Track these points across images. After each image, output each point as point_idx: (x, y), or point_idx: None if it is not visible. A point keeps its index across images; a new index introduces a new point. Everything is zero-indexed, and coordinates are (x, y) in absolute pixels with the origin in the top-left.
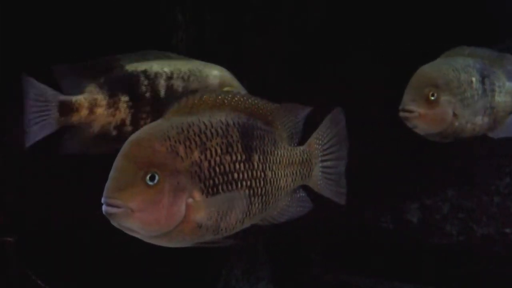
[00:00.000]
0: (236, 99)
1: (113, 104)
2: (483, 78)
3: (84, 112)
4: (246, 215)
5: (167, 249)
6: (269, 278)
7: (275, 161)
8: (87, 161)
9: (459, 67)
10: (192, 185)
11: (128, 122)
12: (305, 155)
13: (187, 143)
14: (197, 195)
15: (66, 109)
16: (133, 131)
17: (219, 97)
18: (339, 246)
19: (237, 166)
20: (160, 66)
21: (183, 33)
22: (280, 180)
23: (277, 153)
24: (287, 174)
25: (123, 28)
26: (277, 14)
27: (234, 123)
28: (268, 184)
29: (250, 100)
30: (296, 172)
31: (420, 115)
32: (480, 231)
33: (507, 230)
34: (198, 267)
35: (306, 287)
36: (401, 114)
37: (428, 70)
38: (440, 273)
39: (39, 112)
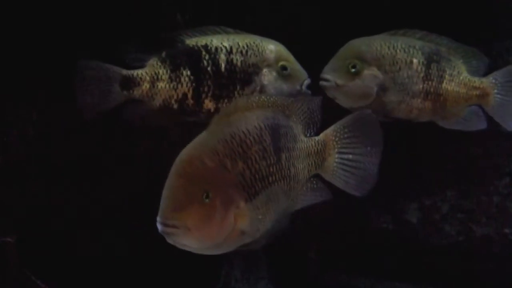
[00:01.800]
0: (262, 100)
1: (174, 78)
2: (429, 62)
3: (146, 86)
4: (276, 213)
5: (166, 250)
6: (269, 278)
7: (296, 156)
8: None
9: (397, 46)
10: (238, 195)
11: (189, 96)
12: (320, 145)
13: (233, 155)
14: (242, 205)
15: (129, 83)
16: (194, 105)
17: (249, 101)
18: (338, 247)
19: (271, 169)
20: (220, 41)
21: None
22: (300, 174)
23: (297, 148)
24: (304, 166)
25: (123, 28)
26: (277, 16)
27: (265, 126)
28: (292, 180)
29: (272, 99)
30: (311, 163)
31: (337, 85)
32: (480, 231)
33: (507, 230)
34: (197, 267)
35: None
36: (320, 82)
37: (357, 43)
38: (439, 273)
39: (103, 87)
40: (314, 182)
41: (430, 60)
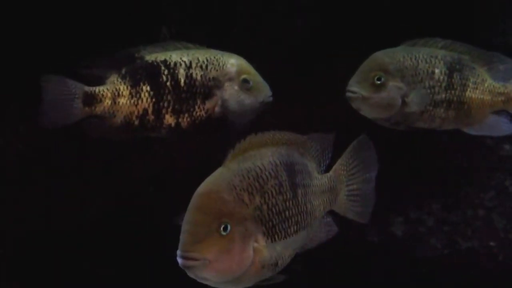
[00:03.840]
0: (276, 136)
1: (135, 94)
2: (451, 72)
3: (107, 103)
4: (294, 249)
5: (157, 255)
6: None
7: (312, 193)
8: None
9: (419, 56)
10: (256, 229)
11: (150, 111)
12: (332, 182)
13: (250, 189)
14: (261, 238)
15: (91, 99)
16: (155, 121)
17: (263, 137)
18: (323, 260)
19: (287, 204)
20: (179, 56)
21: None
22: (316, 210)
23: (313, 184)
24: (320, 203)
25: (109, 41)
26: (264, 28)
27: (280, 162)
28: (309, 216)
29: (286, 136)
30: (326, 200)
31: (363, 97)
32: (465, 244)
33: (492, 244)
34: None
35: None
36: (346, 94)
37: (380, 55)
38: (425, 286)
39: (64, 103)
40: (326, 219)
41: (452, 69)
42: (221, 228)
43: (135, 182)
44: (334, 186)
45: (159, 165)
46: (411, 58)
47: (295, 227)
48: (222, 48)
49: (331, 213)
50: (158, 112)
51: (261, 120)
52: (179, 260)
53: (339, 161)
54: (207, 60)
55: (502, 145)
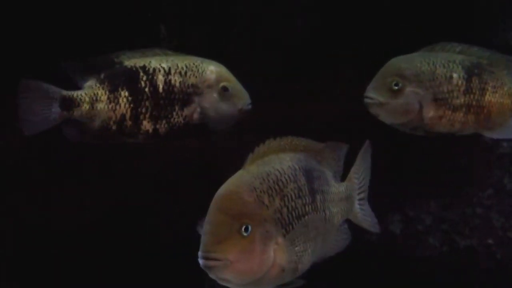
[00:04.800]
0: (294, 142)
1: (113, 100)
2: (470, 76)
3: (85, 107)
4: (313, 254)
5: (151, 259)
6: None
7: (330, 200)
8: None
9: (437, 61)
10: (276, 231)
11: (128, 117)
12: (348, 190)
13: (270, 191)
14: (281, 241)
15: (68, 104)
16: (132, 127)
17: (281, 143)
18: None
19: (307, 208)
20: (158, 62)
21: (166, 45)
22: (334, 217)
23: (331, 192)
24: (338, 211)
25: (107, 40)
26: (264, 28)
27: (299, 167)
28: (328, 223)
29: (304, 143)
30: (343, 208)
31: (380, 103)
32: (463, 242)
33: (490, 242)
34: (182, 275)
35: None
36: (364, 100)
37: (397, 60)
38: (423, 284)
39: (42, 107)
40: (343, 227)
41: (471, 73)
42: (242, 229)
43: (135, 182)
44: (350, 195)
45: (158, 164)
46: (428, 63)
47: (314, 232)
48: (221, 48)
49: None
50: (136, 118)
51: (242, 126)
52: (201, 261)
53: (353, 169)
54: (186, 67)
55: (500, 143)
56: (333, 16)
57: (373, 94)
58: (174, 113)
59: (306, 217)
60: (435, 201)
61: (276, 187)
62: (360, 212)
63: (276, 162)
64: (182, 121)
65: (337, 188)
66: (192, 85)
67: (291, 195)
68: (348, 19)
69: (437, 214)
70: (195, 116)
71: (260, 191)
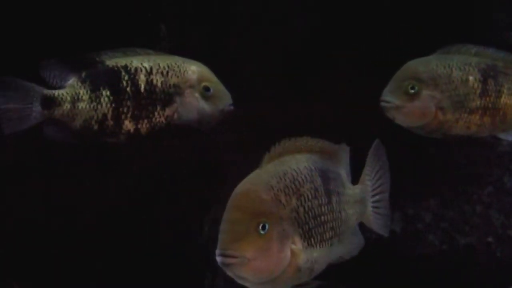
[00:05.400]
0: (310, 143)
1: (94, 99)
2: (485, 79)
3: (66, 106)
4: (329, 255)
5: (150, 259)
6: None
7: (345, 201)
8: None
9: (453, 64)
10: (293, 231)
11: (109, 116)
12: (363, 192)
13: (287, 190)
14: (298, 240)
15: (50, 103)
16: (114, 126)
17: (297, 143)
18: None
19: (323, 209)
20: (140, 61)
21: (166, 44)
22: (350, 219)
23: (346, 193)
24: (353, 213)
25: (108, 38)
26: (263, 28)
27: (315, 168)
28: (343, 224)
29: (319, 144)
30: (358, 211)
31: (396, 106)
32: (463, 240)
33: (490, 239)
34: (180, 277)
35: None
36: (381, 104)
37: (413, 64)
38: (423, 283)
39: (23, 105)
40: (356, 229)
41: (487, 76)
42: (260, 227)
43: (134, 181)
44: (364, 198)
45: (158, 164)
46: (444, 66)
47: (331, 233)
48: (221, 47)
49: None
50: (117, 118)
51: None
52: (218, 258)
53: (364, 171)
54: (168, 66)
55: (500, 141)
56: (333, 16)
57: (389, 98)
58: (156, 113)
59: (323, 217)
60: (434, 199)
61: (293, 186)
62: (372, 215)
63: (293, 162)
64: (164, 121)
65: (352, 190)
66: (174, 85)
67: (307, 195)
68: (348, 19)
69: (437, 212)
70: (177, 116)
71: (277, 190)
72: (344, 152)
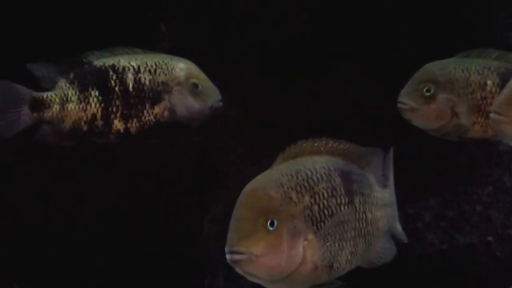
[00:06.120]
0: (330, 145)
1: (83, 99)
2: (504, 83)
3: (56, 108)
4: (353, 255)
5: (149, 259)
6: (252, 286)
7: (372, 203)
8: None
9: (471, 68)
10: (306, 228)
11: (98, 117)
12: (391, 197)
13: (298, 188)
14: (312, 238)
15: (39, 105)
16: (103, 126)
17: (316, 144)
18: None
19: (342, 208)
20: (128, 60)
21: (166, 43)
22: (378, 221)
23: (373, 196)
24: (382, 215)
25: (108, 38)
26: (263, 27)
27: (334, 168)
28: (369, 225)
29: (342, 145)
30: (388, 214)
31: (412, 109)
32: (463, 240)
33: (490, 239)
34: (180, 277)
35: None
36: (398, 105)
37: (431, 66)
38: (423, 282)
39: (12, 109)
40: (388, 237)
41: (506, 80)
42: (268, 224)
43: (134, 181)
44: (393, 201)
45: (158, 163)
46: (462, 70)
47: (353, 233)
48: (221, 47)
49: None
50: (106, 118)
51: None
52: (227, 256)
53: (391, 177)
54: (155, 65)
55: (500, 141)
56: (333, 16)
57: (406, 100)
58: (145, 112)
59: (339, 214)
60: (434, 198)
61: (306, 184)
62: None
63: (308, 162)
64: (153, 119)
65: (381, 193)
66: (162, 82)
67: (323, 194)
68: (348, 19)
69: (437, 211)
70: (166, 114)
71: (288, 188)
72: (373, 155)
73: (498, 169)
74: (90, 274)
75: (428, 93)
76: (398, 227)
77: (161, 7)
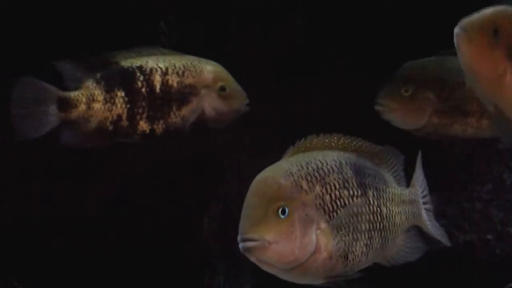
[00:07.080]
0: (342, 141)
1: (109, 100)
2: None
3: (82, 108)
4: (368, 248)
5: (149, 257)
6: (253, 284)
7: (388, 198)
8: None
9: (451, 67)
10: (318, 217)
11: (124, 117)
12: (413, 195)
13: (308, 177)
14: (324, 226)
15: (65, 104)
16: (128, 127)
17: (327, 140)
18: None
19: (355, 200)
20: (155, 62)
21: (166, 41)
22: (395, 217)
23: (389, 191)
24: (400, 211)
25: (108, 36)
26: (261, 21)
27: (346, 162)
28: (385, 220)
29: (355, 142)
30: (408, 211)
31: (391, 109)
32: (462, 237)
33: (489, 236)
34: (179, 275)
35: None
36: (375, 106)
37: (410, 66)
38: (423, 280)
39: (40, 109)
40: (412, 233)
41: None
42: (279, 211)
43: (134, 181)
44: (415, 199)
45: (157, 163)
46: (442, 69)
47: (367, 225)
48: (221, 47)
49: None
50: (132, 118)
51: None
52: (240, 245)
53: (414, 177)
54: (183, 67)
55: (500, 138)
56: (333, 16)
57: (384, 100)
58: (172, 114)
59: (355, 208)
60: (434, 195)
61: (316, 174)
62: (429, 222)
63: (319, 155)
64: (179, 122)
65: (398, 190)
66: (190, 85)
67: (334, 184)
68: (348, 18)
69: (437, 209)
70: (193, 116)
71: (298, 176)
72: (388, 154)
73: (498, 167)
74: (90, 274)
75: (407, 93)
76: (430, 228)
77: (161, 6)
